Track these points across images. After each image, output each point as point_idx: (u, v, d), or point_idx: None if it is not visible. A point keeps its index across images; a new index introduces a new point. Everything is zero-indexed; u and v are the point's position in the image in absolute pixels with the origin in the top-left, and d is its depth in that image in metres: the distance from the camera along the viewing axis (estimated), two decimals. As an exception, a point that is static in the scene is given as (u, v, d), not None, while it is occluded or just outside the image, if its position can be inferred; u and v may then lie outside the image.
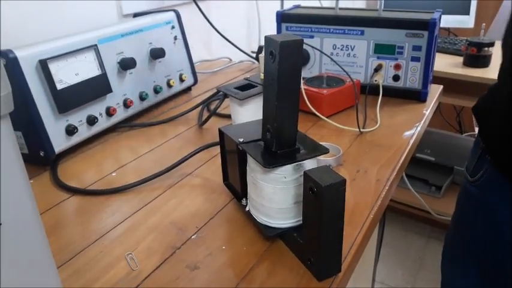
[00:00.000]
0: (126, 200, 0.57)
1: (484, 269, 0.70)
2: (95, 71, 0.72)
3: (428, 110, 0.83)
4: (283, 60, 0.41)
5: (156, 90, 0.85)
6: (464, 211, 0.75)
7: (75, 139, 0.69)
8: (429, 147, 1.77)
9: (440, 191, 1.78)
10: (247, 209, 0.51)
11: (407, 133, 0.73)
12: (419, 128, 0.75)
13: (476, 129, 2.42)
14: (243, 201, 0.53)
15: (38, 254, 0.35)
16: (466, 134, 2.25)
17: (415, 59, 0.84)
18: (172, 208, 0.55)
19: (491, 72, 1.41)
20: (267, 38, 0.42)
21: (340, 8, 0.92)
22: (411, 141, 0.70)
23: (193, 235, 0.49)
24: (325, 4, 1.81)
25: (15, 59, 0.61)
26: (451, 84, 1.43)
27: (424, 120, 0.79)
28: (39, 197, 0.58)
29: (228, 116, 0.81)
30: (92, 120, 0.71)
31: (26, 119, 0.63)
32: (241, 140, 0.48)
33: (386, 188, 0.58)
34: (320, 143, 0.47)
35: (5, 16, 0.74)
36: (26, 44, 0.65)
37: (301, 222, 0.46)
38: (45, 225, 0.51)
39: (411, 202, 1.80)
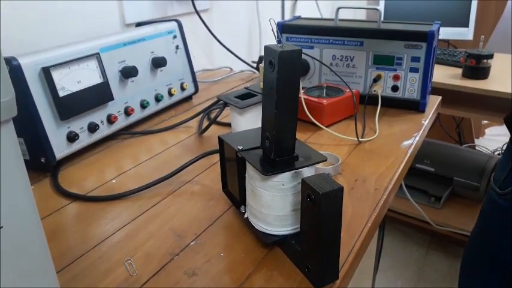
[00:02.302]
0: (126, 207, 0.57)
1: (506, 279, 0.70)
2: (97, 79, 0.73)
3: (427, 120, 0.83)
4: (282, 69, 0.41)
5: (157, 99, 0.86)
6: (492, 223, 0.74)
7: (76, 146, 0.70)
8: (429, 158, 1.78)
9: (439, 202, 1.78)
10: (245, 216, 0.52)
11: (406, 143, 0.74)
12: (417, 138, 0.76)
13: (476, 141, 2.42)
14: (242, 209, 0.53)
15: (37, 258, 0.36)
16: (465, 145, 2.26)
17: (413, 69, 0.85)
18: (171, 215, 0.55)
19: (491, 83, 1.42)
20: (266, 48, 0.43)
21: (340, 20, 0.93)
22: (409, 151, 0.71)
23: (191, 242, 0.50)
24: (325, 15, 1.83)
25: (19, 66, 0.62)
26: (451, 96, 1.44)
27: (422, 130, 0.79)
28: (39, 202, 0.59)
29: (228, 125, 0.82)
30: (93, 128, 0.72)
31: (28, 126, 0.64)
32: (240, 147, 0.48)
33: (385, 197, 0.58)
34: (319, 151, 0.48)
35: (9, 24, 0.75)
36: (29, 51, 0.66)
37: (299, 229, 0.46)
38: (45, 230, 0.51)
39: (411, 213, 1.79)
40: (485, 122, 2.73)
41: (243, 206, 0.53)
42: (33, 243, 0.36)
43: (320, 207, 0.38)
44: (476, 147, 2.27)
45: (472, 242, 0.82)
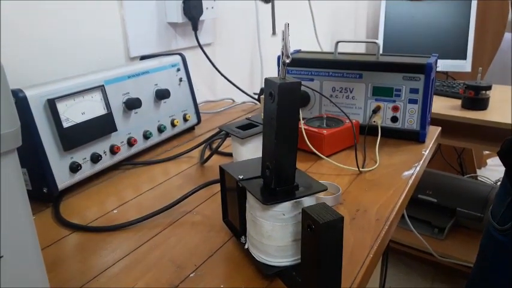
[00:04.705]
0: (126, 237, 0.57)
1: None
2: (101, 110, 0.74)
3: (427, 150, 0.84)
4: (281, 101, 0.42)
5: (160, 129, 0.87)
6: (492, 260, 0.72)
7: (79, 176, 0.70)
8: (431, 189, 1.77)
9: (443, 233, 1.76)
10: (246, 246, 0.51)
11: (407, 173, 0.74)
12: (418, 168, 0.76)
13: (478, 171, 2.41)
14: (242, 239, 0.53)
15: (36, 289, 0.35)
16: (467, 175, 2.25)
17: (412, 101, 0.86)
18: (171, 246, 0.55)
19: (490, 114, 1.43)
20: (267, 80, 0.44)
21: (339, 53, 0.95)
22: (410, 181, 0.71)
23: (191, 273, 0.49)
24: (325, 49, 1.87)
25: (25, 97, 0.63)
26: (451, 126, 1.45)
27: (423, 160, 0.80)
28: (40, 233, 0.58)
29: (230, 155, 0.83)
30: (95, 158, 0.72)
31: (31, 156, 0.65)
32: (241, 177, 0.49)
33: (386, 227, 0.58)
34: (319, 181, 0.48)
35: (16, 56, 0.77)
36: (36, 83, 0.68)
37: (299, 260, 0.46)
38: (45, 261, 0.51)
39: (414, 244, 1.77)
40: (487, 152, 2.73)
41: (243, 237, 0.53)
42: (33, 274, 0.36)
43: (320, 237, 0.38)
44: (479, 178, 2.26)
45: (473, 278, 0.80)
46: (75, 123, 0.69)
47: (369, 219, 0.60)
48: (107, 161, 0.75)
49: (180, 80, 0.94)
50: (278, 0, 1.50)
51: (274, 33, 1.19)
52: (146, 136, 0.83)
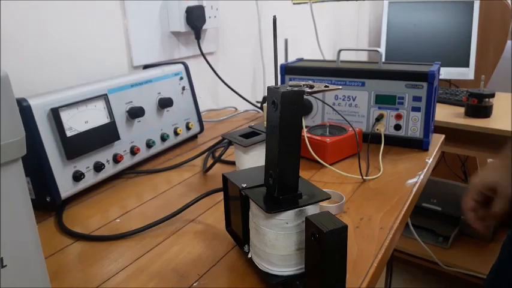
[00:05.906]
0: (129, 246, 0.57)
1: None
2: (104, 119, 0.74)
3: (430, 158, 0.84)
4: (284, 109, 0.42)
5: (163, 138, 0.87)
6: (509, 268, 0.71)
7: (82, 185, 0.70)
8: (435, 197, 1.76)
9: (447, 242, 1.75)
10: (249, 255, 0.51)
11: (410, 181, 0.74)
12: (422, 176, 0.76)
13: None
14: (245, 248, 0.53)
15: (39, 298, 0.35)
16: (472, 183, 2.24)
17: (415, 109, 0.86)
18: (174, 255, 0.55)
19: (493, 122, 1.42)
20: (269, 88, 0.44)
21: (342, 61, 0.96)
22: (414, 190, 0.71)
23: (194, 283, 0.49)
24: (327, 57, 1.87)
25: (28, 107, 0.64)
26: (454, 134, 1.44)
27: (426, 168, 0.79)
28: (43, 242, 0.58)
29: (233, 163, 0.82)
30: (99, 167, 0.72)
31: (34, 165, 0.65)
32: (244, 185, 0.48)
33: (390, 236, 0.58)
34: (323, 189, 0.48)
35: (20, 65, 0.78)
36: (40, 92, 0.68)
37: (303, 269, 0.45)
38: (48, 269, 0.51)
39: (418, 253, 1.76)
40: (491, 160, 2.72)
41: (246, 246, 0.53)
42: (36, 283, 0.35)
43: (324, 246, 0.38)
44: (483, 186, 2.24)
45: (487, 287, 0.79)
46: (78, 132, 0.69)
47: (373, 228, 0.59)
48: (110, 169, 0.75)
49: (183, 88, 0.94)
50: (280, 6, 1.51)
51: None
52: (149, 145, 0.84)
